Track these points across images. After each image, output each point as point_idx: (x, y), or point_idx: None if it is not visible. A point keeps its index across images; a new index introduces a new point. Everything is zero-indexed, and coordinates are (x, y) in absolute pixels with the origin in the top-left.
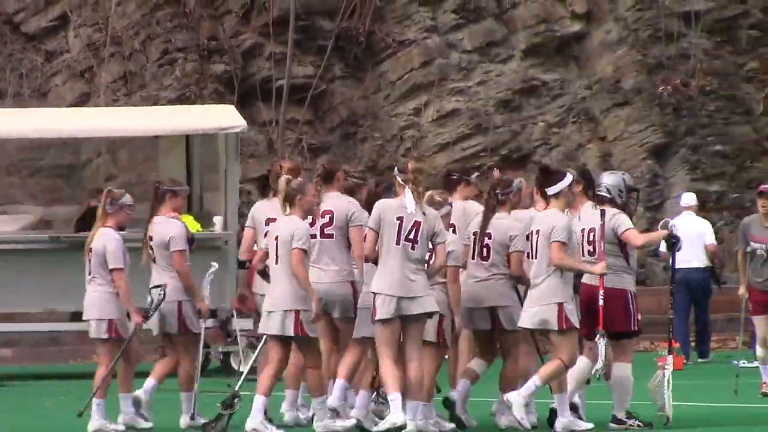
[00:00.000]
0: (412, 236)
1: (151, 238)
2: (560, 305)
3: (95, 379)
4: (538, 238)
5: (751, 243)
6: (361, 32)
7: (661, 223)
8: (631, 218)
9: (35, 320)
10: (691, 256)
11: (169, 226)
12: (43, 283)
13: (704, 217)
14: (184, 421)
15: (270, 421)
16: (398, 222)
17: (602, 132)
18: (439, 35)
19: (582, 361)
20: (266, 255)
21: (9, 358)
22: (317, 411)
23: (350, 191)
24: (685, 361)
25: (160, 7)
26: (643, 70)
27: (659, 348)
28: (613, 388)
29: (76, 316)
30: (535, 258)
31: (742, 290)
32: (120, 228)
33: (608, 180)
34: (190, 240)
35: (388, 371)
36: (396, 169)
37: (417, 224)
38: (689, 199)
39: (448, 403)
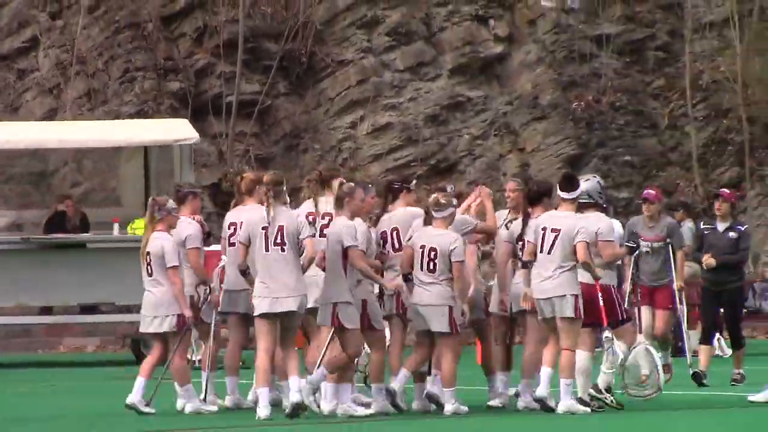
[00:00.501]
0: (279, 240)
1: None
2: (576, 297)
3: (145, 367)
4: (557, 235)
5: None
6: (303, 53)
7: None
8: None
9: (8, 314)
10: None
11: (188, 227)
12: (15, 280)
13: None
14: (228, 400)
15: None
16: (263, 231)
17: (521, 144)
18: (374, 56)
19: (582, 354)
20: (246, 253)
21: None
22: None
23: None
24: None
25: (122, 31)
26: (559, 87)
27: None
28: (579, 374)
29: (45, 310)
30: (549, 253)
31: (626, 285)
32: (169, 230)
33: (585, 186)
34: (207, 234)
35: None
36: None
37: (281, 228)
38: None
39: (390, 392)
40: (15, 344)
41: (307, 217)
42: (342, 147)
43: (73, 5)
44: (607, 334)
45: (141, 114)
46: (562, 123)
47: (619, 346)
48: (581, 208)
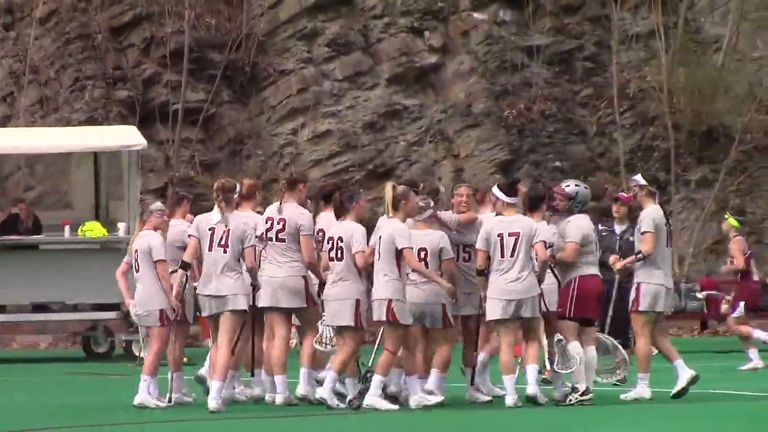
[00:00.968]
0: (223, 242)
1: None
2: (541, 296)
3: (153, 362)
4: (516, 239)
5: None
6: (246, 63)
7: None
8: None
9: None
10: None
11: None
12: None
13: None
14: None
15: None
16: (210, 232)
17: (456, 150)
18: (314, 66)
19: (591, 351)
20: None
21: None
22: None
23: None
24: None
25: (72, 41)
26: (492, 96)
27: None
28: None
29: None
30: (512, 256)
31: None
32: (155, 230)
33: (584, 194)
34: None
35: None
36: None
37: (226, 232)
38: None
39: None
40: None
41: (267, 221)
42: (284, 152)
43: (26, 17)
44: (559, 336)
45: (91, 121)
46: (494, 130)
47: (574, 347)
48: (571, 213)
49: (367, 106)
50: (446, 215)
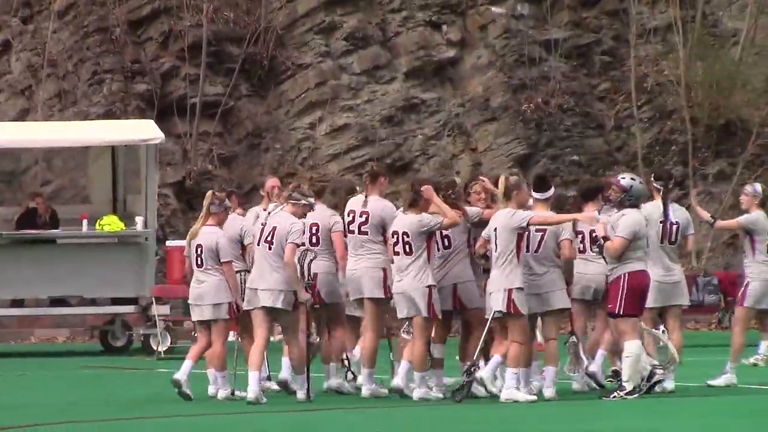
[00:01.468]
0: (269, 238)
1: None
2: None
3: (222, 356)
4: (543, 234)
5: None
6: (264, 56)
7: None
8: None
9: None
10: None
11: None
12: None
13: None
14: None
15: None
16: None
17: (473, 144)
18: (332, 60)
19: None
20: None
21: None
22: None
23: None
24: None
25: (90, 35)
26: (509, 90)
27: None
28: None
29: (17, 303)
30: (536, 252)
31: None
32: (220, 225)
33: (639, 188)
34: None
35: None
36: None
37: (274, 229)
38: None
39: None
40: None
41: (349, 213)
42: (301, 147)
43: (44, 10)
44: (573, 339)
45: (109, 115)
46: (512, 124)
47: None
48: (623, 206)
49: (385, 100)
50: (473, 210)
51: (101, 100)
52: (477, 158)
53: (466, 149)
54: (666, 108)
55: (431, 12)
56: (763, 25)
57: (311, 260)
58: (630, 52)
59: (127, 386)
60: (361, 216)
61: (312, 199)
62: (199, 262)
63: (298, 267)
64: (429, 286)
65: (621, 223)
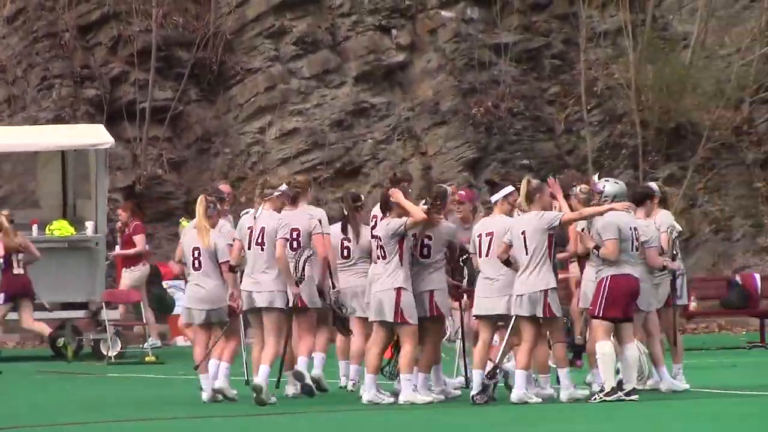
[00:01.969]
0: (260, 240)
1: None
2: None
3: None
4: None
5: None
6: (213, 61)
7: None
8: None
9: None
10: None
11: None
12: None
13: None
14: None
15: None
16: (249, 230)
17: (423, 148)
18: (281, 64)
19: (629, 350)
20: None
21: None
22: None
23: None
24: None
25: (39, 40)
26: (459, 94)
27: None
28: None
29: None
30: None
31: None
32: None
33: (613, 189)
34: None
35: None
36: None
37: (262, 230)
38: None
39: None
40: None
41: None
42: (251, 151)
43: None
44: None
45: (58, 120)
46: (462, 128)
47: (601, 346)
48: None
49: (335, 104)
50: (450, 227)
51: (50, 105)
52: (427, 162)
53: (416, 153)
54: (616, 111)
55: (381, 16)
56: (713, 28)
57: (308, 257)
58: (580, 55)
59: (78, 391)
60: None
61: (284, 186)
62: (196, 265)
63: (292, 263)
64: (398, 288)
65: (601, 226)
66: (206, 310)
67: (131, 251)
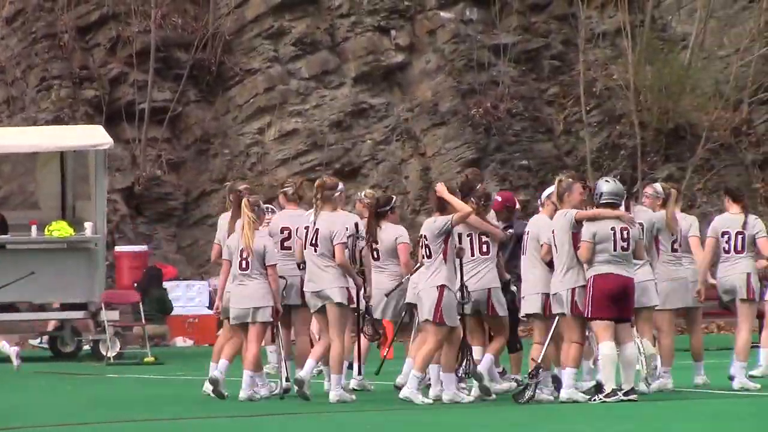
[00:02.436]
0: (314, 241)
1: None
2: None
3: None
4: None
5: None
6: (212, 62)
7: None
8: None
9: None
10: None
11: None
12: None
13: None
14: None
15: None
16: (305, 231)
17: (422, 149)
18: (280, 65)
19: (628, 349)
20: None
21: None
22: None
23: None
24: None
25: (39, 41)
26: (458, 95)
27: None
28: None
29: None
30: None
31: None
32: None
33: (610, 188)
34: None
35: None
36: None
37: (317, 231)
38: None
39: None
40: None
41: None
42: (250, 152)
43: None
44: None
45: (57, 121)
46: (461, 129)
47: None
48: (609, 208)
49: (334, 105)
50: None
51: (50, 106)
52: (426, 163)
53: (415, 154)
54: (615, 112)
55: (380, 17)
56: (712, 29)
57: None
58: (579, 56)
59: (77, 392)
60: None
61: (341, 185)
62: (244, 266)
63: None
64: (440, 286)
65: (583, 228)
66: (251, 309)
67: None
